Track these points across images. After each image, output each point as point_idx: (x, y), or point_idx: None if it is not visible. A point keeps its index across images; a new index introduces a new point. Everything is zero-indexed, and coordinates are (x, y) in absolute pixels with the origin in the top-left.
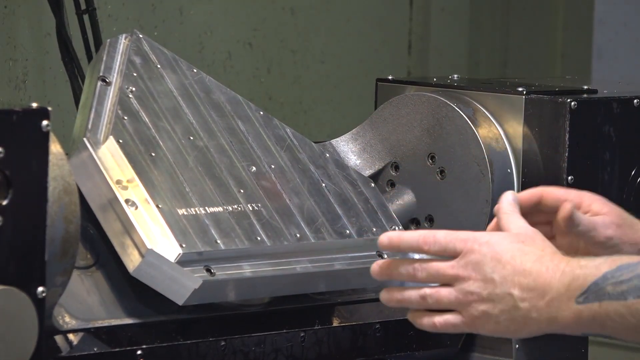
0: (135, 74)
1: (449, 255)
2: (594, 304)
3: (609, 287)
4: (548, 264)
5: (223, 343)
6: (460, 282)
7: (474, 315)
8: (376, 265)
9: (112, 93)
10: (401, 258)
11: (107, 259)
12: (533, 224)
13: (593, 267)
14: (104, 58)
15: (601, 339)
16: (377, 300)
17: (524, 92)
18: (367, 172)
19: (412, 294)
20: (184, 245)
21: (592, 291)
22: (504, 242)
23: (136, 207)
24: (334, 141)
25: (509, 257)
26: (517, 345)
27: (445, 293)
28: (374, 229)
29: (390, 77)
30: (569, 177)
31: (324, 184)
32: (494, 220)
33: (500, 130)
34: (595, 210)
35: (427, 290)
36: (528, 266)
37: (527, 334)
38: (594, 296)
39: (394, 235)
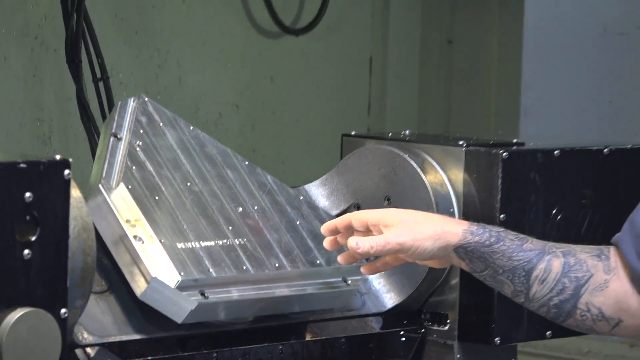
0: (141, 131)
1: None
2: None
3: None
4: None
5: (215, 355)
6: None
7: None
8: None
9: (122, 147)
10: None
11: (118, 285)
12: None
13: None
14: (116, 118)
15: (531, 349)
16: (343, 318)
17: (464, 145)
18: (334, 212)
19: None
20: (182, 274)
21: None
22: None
23: (142, 242)
24: (306, 186)
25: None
26: (458, 355)
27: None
28: None
29: (353, 133)
30: (501, 216)
31: (298, 222)
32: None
33: (445, 177)
34: (390, 224)
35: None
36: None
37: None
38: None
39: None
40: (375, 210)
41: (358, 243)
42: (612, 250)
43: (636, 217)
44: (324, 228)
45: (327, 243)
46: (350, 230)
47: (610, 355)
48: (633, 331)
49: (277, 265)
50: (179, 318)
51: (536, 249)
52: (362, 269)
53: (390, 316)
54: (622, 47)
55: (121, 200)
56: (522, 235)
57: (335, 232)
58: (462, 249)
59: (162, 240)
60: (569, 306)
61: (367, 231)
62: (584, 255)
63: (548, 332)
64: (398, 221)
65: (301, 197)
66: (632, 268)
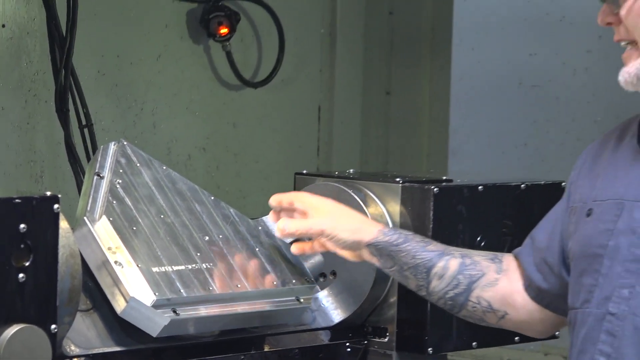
0: (121, 171)
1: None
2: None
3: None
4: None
5: None
6: None
7: None
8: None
9: (104, 184)
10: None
11: (101, 304)
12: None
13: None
14: (99, 159)
15: (459, 358)
16: (296, 332)
17: (400, 182)
18: (289, 240)
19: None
20: (156, 294)
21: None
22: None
23: (122, 266)
24: (264, 218)
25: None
26: None
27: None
28: (294, 281)
29: (304, 171)
30: None
31: (257, 249)
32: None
33: (384, 209)
34: (320, 212)
35: None
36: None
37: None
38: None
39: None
40: (314, 198)
41: (285, 226)
42: (505, 256)
43: (536, 233)
44: (273, 199)
45: (270, 216)
46: (292, 207)
47: None
48: (516, 324)
49: (239, 286)
50: (154, 332)
51: (437, 250)
52: (291, 249)
53: (337, 330)
54: (536, 97)
55: (103, 231)
56: (428, 239)
57: (280, 205)
58: (373, 247)
59: (139, 265)
60: (462, 299)
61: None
62: (479, 258)
63: (474, 343)
64: (326, 212)
65: (260, 227)
66: (529, 277)
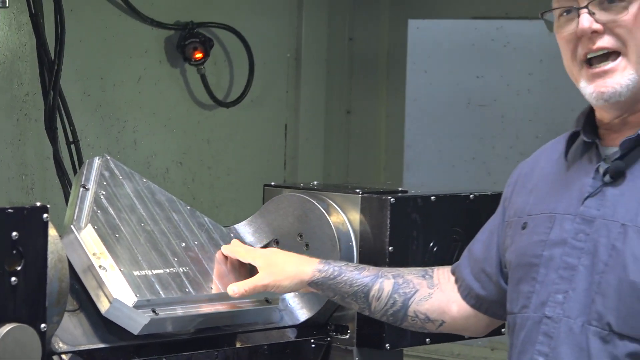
0: (105, 183)
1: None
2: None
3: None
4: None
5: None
6: None
7: None
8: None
9: (89, 195)
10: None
11: (87, 304)
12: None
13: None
14: (84, 172)
15: (414, 353)
16: (265, 330)
17: (360, 192)
18: (258, 246)
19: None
20: (137, 295)
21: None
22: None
23: (106, 270)
24: (236, 226)
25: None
26: (356, 358)
27: None
28: None
29: (272, 183)
30: (390, 248)
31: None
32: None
33: (345, 218)
34: (259, 268)
35: None
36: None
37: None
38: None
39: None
40: (252, 253)
41: (234, 290)
42: (434, 270)
43: (473, 246)
44: (225, 251)
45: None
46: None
47: (476, 356)
48: (454, 328)
49: (212, 288)
50: (135, 330)
51: (371, 275)
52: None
53: (303, 328)
54: (482, 115)
55: (89, 238)
56: (361, 266)
57: (228, 258)
58: (313, 284)
59: (122, 269)
60: (401, 314)
61: None
62: (411, 276)
63: (427, 339)
64: (264, 266)
65: (232, 235)
66: (469, 286)
